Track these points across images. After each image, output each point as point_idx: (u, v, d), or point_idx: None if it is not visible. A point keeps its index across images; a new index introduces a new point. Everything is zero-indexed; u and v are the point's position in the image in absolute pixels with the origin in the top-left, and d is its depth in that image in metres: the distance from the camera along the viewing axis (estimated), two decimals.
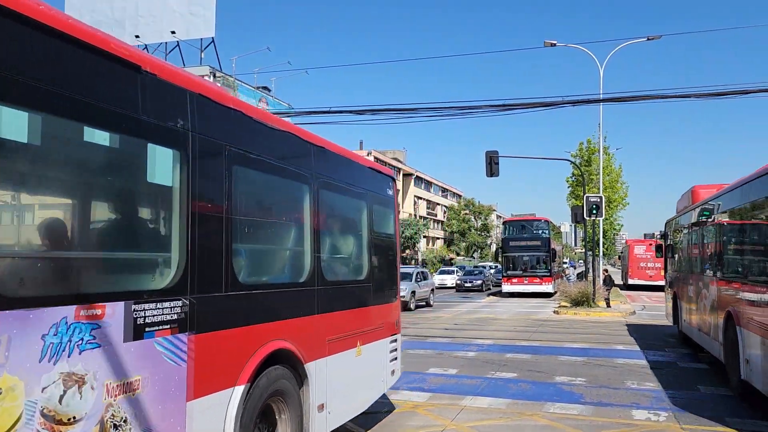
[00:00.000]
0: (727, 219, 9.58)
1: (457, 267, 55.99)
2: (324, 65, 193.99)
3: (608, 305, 24.68)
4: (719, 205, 10.13)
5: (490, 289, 41.09)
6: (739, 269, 8.84)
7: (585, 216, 25.02)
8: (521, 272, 34.12)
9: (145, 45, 43.70)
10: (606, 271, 28.58)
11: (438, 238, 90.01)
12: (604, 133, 44.99)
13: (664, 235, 17.27)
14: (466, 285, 40.46)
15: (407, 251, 64.48)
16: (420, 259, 68.30)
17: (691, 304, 12.78)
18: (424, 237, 72.21)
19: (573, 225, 36.60)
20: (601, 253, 34.89)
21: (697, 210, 11.93)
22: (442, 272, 48.28)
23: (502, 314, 23.25)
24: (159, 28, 43.30)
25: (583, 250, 34.24)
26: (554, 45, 29.54)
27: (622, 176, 41.05)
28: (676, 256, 15.10)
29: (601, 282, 26.63)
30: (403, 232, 60.40)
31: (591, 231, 30.09)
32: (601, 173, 33.49)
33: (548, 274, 34.01)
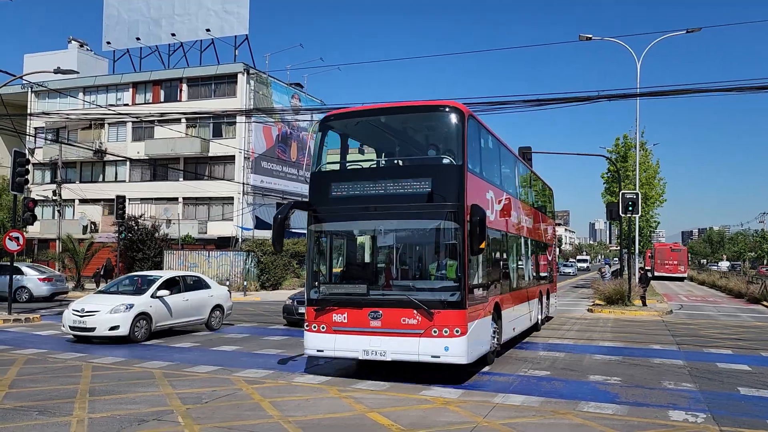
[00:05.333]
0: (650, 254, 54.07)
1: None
2: (356, 61, 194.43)
3: (644, 304, 24.23)
4: (652, 250, 55.04)
5: None
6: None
7: (620, 213, 24.54)
8: (360, 295, 9.99)
9: (181, 43, 44.45)
10: (642, 268, 28.04)
11: None
12: (642, 128, 44.25)
13: (652, 252, 55.00)
14: None
15: None
16: None
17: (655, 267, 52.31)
18: None
19: (608, 222, 35.75)
20: (636, 251, 34.27)
21: (653, 250, 55.16)
22: (108, 291, 16.22)
23: None
24: (194, 26, 43.93)
25: (618, 248, 33.63)
26: (590, 39, 29.01)
27: (659, 172, 40.18)
28: (650, 259, 55.05)
29: (637, 280, 26.13)
30: None
31: (626, 228, 29.56)
32: (637, 169, 32.83)
33: (456, 297, 9.43)
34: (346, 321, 9.90)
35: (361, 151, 12.67)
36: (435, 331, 9.33)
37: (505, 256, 13.04)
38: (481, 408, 8.12)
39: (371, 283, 10.17)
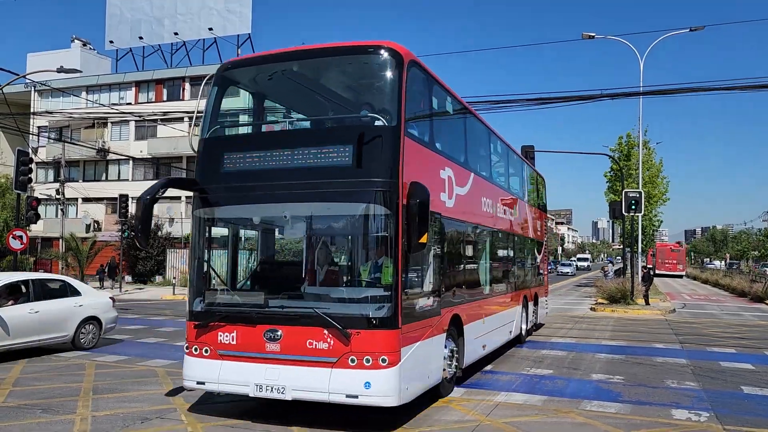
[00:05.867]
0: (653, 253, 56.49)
1: None
2: None
3: (647, 302, 24.19)
4: (653, 250, 57.28)
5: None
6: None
7: (624, 212, 24.52)
8: (253, 307, 7.48)
9: (183, 42, 44.49)
10: (645, 267, 27.99)
11: None
12: (645, 126, 44.10)
13: (654, 252, 57.24)
14: None
15: None
16: None
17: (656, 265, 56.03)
18: None
19: (611, 221, 35.68)
20: (639, 250, 34.22)
21: (654, 250, 58.44)
22: None
23: None
24: (197, 26, 43.99)
25: (621, 247, 33.57)
26: (592, 37, 28.94)
27: (662, 171, 40.10)
28: (652, 257, 54.80)
29: (640, 279, 26.11)
30: None
31: (629, 227, 29.51)
32: (640, 168, 32.77)
33: (384, 311, 6.73)
34: (235, 342, 7.17)
35: (289, 115, 9.37)
36: (353, 360, 6.64)
37: (470, 254, 10.20)
38: (484, 406, 8.12)
39: (271, 291, 7.53)
